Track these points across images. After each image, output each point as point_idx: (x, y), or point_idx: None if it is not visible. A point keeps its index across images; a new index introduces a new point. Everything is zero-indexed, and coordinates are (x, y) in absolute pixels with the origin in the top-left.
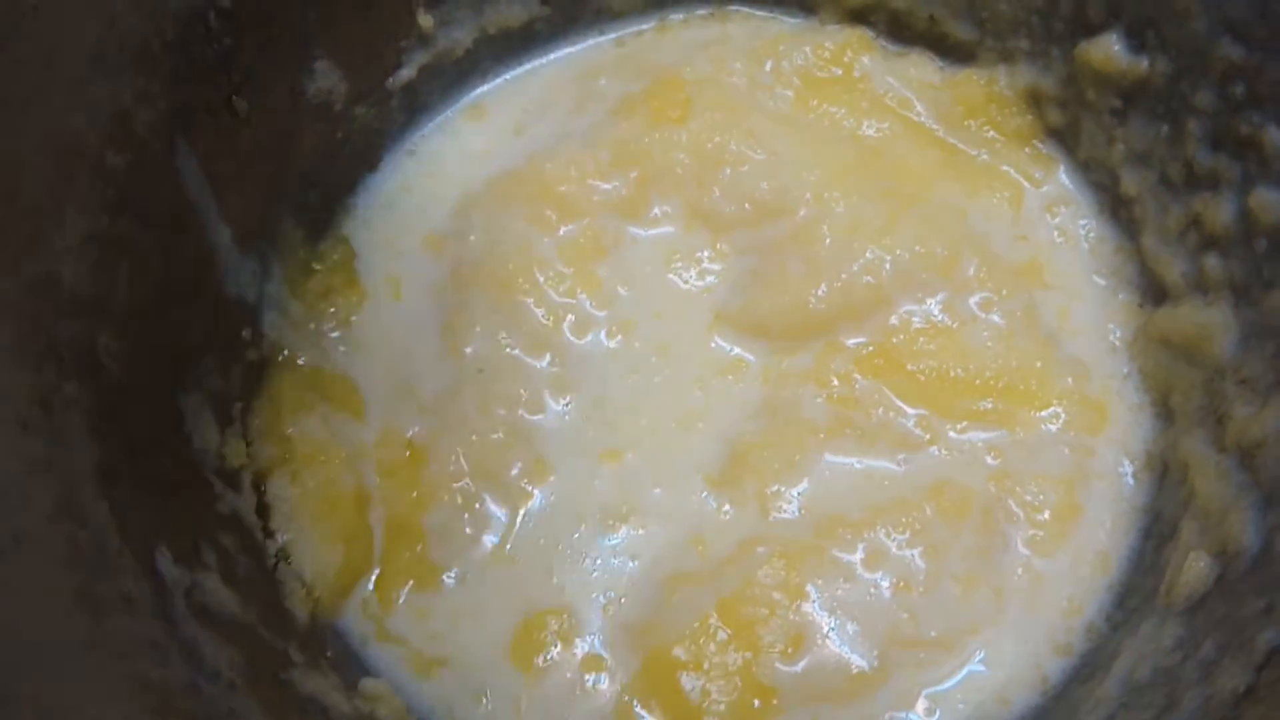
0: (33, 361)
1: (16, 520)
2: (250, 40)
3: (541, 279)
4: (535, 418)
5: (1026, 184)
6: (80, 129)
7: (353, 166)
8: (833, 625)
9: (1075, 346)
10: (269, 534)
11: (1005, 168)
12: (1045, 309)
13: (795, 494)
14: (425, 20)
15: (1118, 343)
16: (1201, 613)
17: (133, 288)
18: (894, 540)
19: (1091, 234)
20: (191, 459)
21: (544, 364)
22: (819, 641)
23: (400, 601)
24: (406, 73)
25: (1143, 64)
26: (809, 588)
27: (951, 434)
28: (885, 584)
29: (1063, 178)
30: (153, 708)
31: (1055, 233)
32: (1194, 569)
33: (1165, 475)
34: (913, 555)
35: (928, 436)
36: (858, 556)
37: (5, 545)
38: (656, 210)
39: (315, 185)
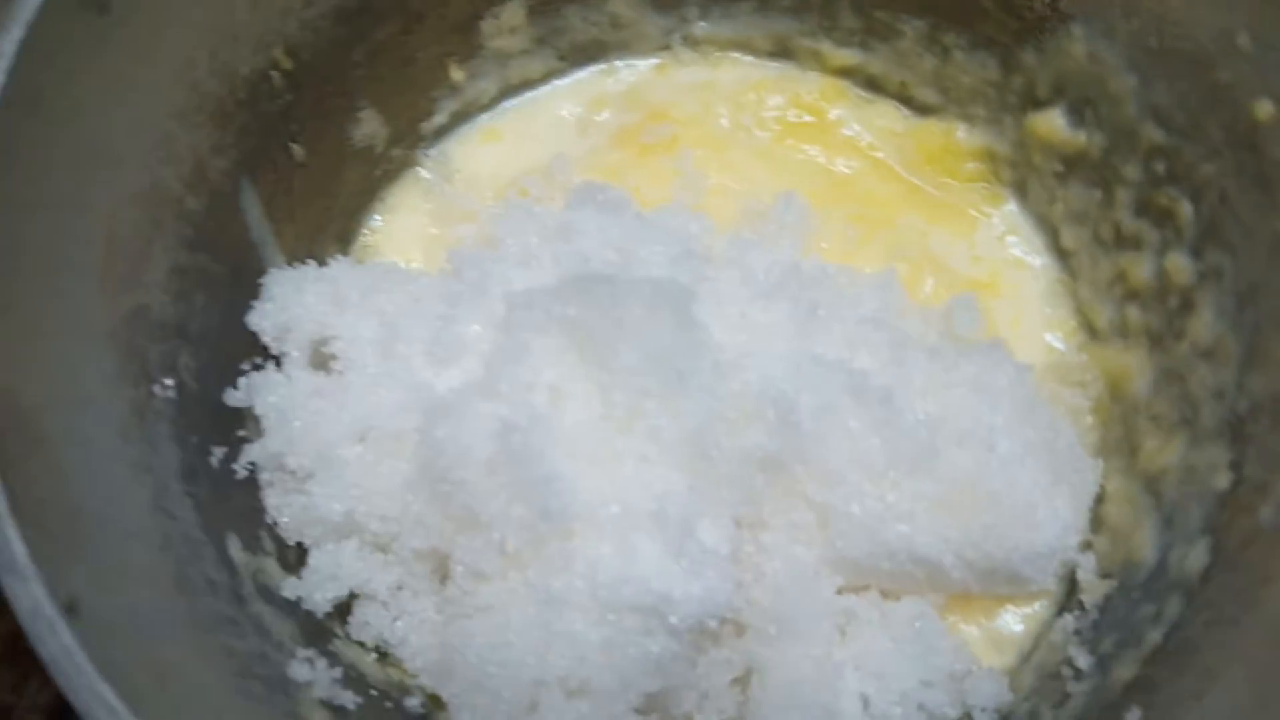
0: (130, 380)
1: (125, 515)
2: (307, 95)
3: None
4: None
5: (980, 217)
6: (167, 178)
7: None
8: None
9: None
10: None
11: (961, 204)
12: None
13: None
14: (457, 74)
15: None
16: (1106, 613)
17: (205, 313)
18: None
19: (1038, 262)
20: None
21: None
22: None
23: None
24: (439, 119)
25: (1081, 137)
26: None
27: None
28: None
29: (1012, 217)
30: (236, 672)
31: (1009, 255)
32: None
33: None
34: None
35: None
36: None
37: (118, 538)
38: None
39: (355, 214)
